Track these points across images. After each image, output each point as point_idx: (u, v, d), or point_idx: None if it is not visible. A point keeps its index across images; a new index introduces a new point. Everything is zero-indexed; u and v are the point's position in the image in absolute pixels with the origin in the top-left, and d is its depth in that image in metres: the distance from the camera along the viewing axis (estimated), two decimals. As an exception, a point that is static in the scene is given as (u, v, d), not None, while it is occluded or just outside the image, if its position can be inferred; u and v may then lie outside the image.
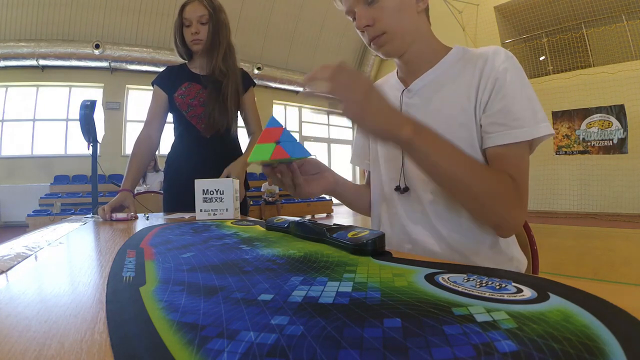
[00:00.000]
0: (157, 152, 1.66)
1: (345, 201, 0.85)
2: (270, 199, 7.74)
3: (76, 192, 7.11)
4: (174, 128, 1.44)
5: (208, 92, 1.35)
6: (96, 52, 7.33)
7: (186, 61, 1.43)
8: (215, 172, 1.31)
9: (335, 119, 12.00)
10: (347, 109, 0.52)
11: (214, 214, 1.00)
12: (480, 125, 0.64)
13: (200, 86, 1.36)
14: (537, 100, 0.62)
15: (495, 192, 0.58)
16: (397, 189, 0.74)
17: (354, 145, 0.92)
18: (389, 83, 0.81)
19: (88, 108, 2.88)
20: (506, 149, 0.61)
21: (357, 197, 0.85)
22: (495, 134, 0.62)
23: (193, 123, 1.37)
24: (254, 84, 1.49)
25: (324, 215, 8.71)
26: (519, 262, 0.70)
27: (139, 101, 8.14)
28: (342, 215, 8.53)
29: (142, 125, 1.37)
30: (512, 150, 0.61)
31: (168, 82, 1.38)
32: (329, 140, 11.40)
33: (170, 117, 1.44)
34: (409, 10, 0.67)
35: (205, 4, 1.31)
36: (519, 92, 0.61)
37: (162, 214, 1.28)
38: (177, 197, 1.40)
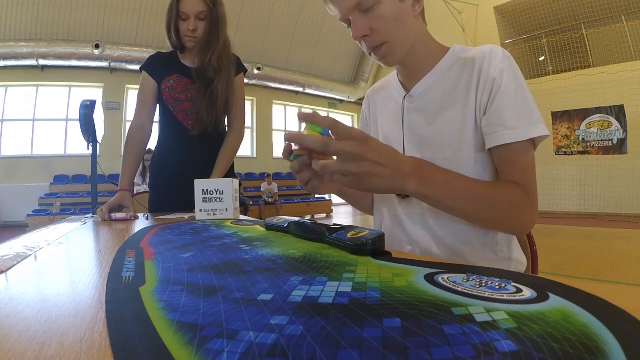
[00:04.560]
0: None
1: (350, 200, 0.86)
2: (269, 199, 7.74)
3: (76, 192, 7.10)
4: (160, 122, 1.38)
5: (197, 88, 1.29)
6: (96, 52, 7.33)
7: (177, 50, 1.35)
8: (202, 171, 1.28)
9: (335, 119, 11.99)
10: (356, 181, 0.49)
11: (214, 214, 1.00)
12: (481, 127, 0.64)
13: (189, 80, 1.30)
14: (533, 101, 0.62)
15: (508, 209, 0.59)
16: (399, 194, 0.74)
17: None
18: (391, 86, 0.81)
19: (88, 108, 2.89)
20: (510, 149, 0.61)
21: (361, 196, 0.86)
22: (492, 134, 0.62)
23: (179, 119, 1.32)
24: (245, 70, 1.42)
25: (324, 215, 8.72)
26: (519, 262, 0.70)
27: (139, 101, 8.13)
28: (342, 216, 8.54)
29: None
30: (515, 150, 0.61)
31: (157, 69, 1.32)
32: (328, 140, 11.42)
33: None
34: (406, 16, 0.66)
35: None
36: (514, 93, 0.61)
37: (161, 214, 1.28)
38: (164, 196, 1.37)
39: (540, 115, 0.62)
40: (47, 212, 6.16)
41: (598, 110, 7.17)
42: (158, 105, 1.36)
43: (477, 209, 0.59)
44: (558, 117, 7.57)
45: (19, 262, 0.46)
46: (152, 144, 1.41)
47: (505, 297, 0.27)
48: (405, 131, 0.74)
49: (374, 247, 0.44)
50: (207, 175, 1.29)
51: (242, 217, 1.04)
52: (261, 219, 1.26)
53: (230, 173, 1.40)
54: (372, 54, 0.68)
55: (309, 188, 0.59)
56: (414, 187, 0.53)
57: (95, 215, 1.11)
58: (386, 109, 0.81)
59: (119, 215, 1.05)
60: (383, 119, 0.82)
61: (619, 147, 6.99)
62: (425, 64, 0.71)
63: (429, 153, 0.69)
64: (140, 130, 1.30)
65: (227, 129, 1.42)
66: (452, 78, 0.69)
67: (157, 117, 1.39)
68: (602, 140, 7.18)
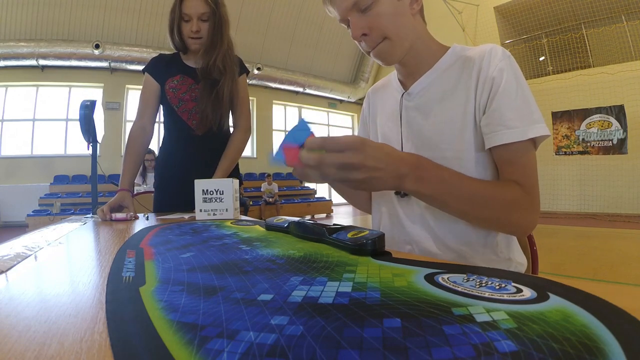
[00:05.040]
0: (156, 152, 1.60)
1: (345, 195, 0.86)
2: (269, 199, 7.74)
3: (76, 192, 7.10)
4: (164, 122, 1.39)
5: (201, 88, 1.29)
6: (96, 52, 7.33)
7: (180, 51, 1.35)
8: (206, 170, 1.28)
9: (335, 119, 12.00)
10: (356, 186, 0.51)
11: (214, 214, 1.00)
12: (480, 126, 0.64)
13: (192, 80, 1.31)
14: (534, 101, 0.62)
15: (507, 208, 0.59)
16: (397, 192, 0.74)
17: None
18: (390, 85, 0.81)
19: (88, 108, 2.89)
20: (510, 149, 0.61)
21: (356, 193, 0.86)
22: (492, 134, 0.62)
23: (184, 119, 1.32)
24: (248, 72, 1.43)
25: (324, 215, 8.72)
26: (519, 263, 0.70)
27: (139, 101, 8.13)
28: (342, 216, 8.54)
29: None
30: (516, 150, 0.60)
31: (160, 70, 1.32)
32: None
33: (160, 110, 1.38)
34: (404, 14, 0.66)
35: None
36: (514, 92, 0.61)
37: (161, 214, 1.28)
38: (168, 196, 1.37)
39: (540, 114, 0.61)
40: (47, 212, 6.16)
41: (598, 110, 7.17)
42: (162, 105, 1.36)
43: (473, 207, 0.58)
44: (558, 117, 7.57)
45: (19, 262, 0.46)
46: (153, 145, 1.42)
47: (505, 297, 0.27)
48: (403, 129, 0.74)
49: (374, 247, 0.44)
50: (210, 175, 1.29)
51: (242, 217, 1.04)
52: (261, 219, 1.26)
53: (234, 173, 1.40)
54: (371, 53, 0.68)
55: (296, 173, 0.56)
56: (411, 185, 0.54)
57: (95, 215, 1.11)
58: (385, 108, 0.81)
59: (119, 215, 1.05)
60: (382, 118, 0.82)
61: (619, 147, 6.99)
62: (425, 62, 0.71)
63: (427, 152, 0.69)
64: (141, 131, 1.31)
65: (231, 129, 1.43)
66: (451, 77, 0.68)
67: (161, 118, 1.39)
68: (602, 140, 7.18)
